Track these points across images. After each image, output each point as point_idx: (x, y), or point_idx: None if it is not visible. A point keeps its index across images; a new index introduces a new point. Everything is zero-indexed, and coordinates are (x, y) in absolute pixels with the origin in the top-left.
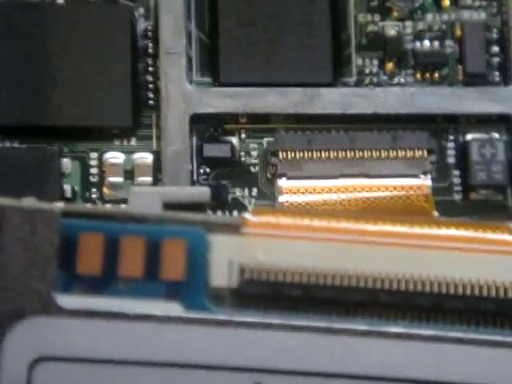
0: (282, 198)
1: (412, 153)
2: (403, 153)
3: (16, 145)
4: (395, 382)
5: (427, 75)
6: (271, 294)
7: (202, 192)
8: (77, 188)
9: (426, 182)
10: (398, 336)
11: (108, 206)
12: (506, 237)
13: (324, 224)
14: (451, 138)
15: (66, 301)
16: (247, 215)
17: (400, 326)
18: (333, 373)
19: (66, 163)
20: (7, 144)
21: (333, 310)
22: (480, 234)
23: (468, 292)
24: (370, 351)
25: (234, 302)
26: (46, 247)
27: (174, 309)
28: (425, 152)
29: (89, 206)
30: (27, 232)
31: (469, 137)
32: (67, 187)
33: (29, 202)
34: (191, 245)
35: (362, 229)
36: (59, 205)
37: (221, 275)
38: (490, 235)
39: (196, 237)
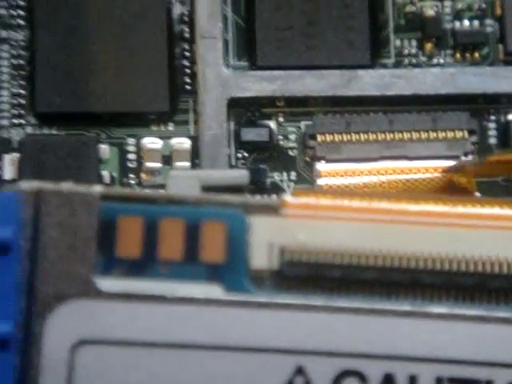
0: (320, 182)
1: (452, 134)
2: (443, 134)
3: (54, 131)
4: (439, 362)
5: (467, 55)
6: (312, 276)
7: (241, 175)
8: (115, 174)
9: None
10: (442, 316)
11: (147, 190)
12: None
13: (364, 204)
14: (492, 118)
15: (106, 284)
16: (287, 197)
17: (443, 307)
18: (376, 354)
19: (104, 149)
20: (45, 131)
21: (375, 291)
22: None
23: None
24: (413, 332)
25: (274, 283)
26: (85, 230)
27: (215, 291)
28: (465, 133)
29: (128, 189)
30: (66, 215)
31: (510, 117)
32: (105, 173)
33: (68, 185)
34: (231, 227)
35: (404, 209)
36: (98, 188)
37: (261, 257)
38: None
39: (235, 219)
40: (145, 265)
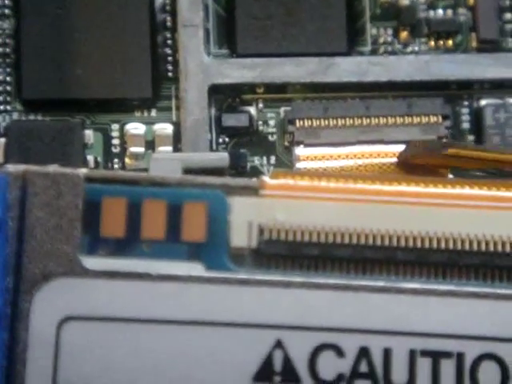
0: (299, 165)
1: (427, 119)
2: (418, 119)
3: (40, 117)
4: (412, 336)
5: (441, 43)
6: (290, 254)
7: (222, 157)
8: (99, 158)
9: None
10: (415, 292)
11: (130, 172)
12: None
13: (340, 185)
14: (465, 103)
15: (91, 262)
16: (266, 178)
17: (416, 282)
18: (352, 328)
19: (89, 134)
20: (31, 117)
21: (351, 268)
22: (493, 192)
23: (483, 248)
24: (388, 307)
25: (254, 261)
26: (70, 211)
27: (196, 269)
28: (439, 118)
29: (111, 171)
30: (52, 196)
31: (483, 102)
32: (90, 158)
33: (54, 167)
34: (211, 207)
35: (378, 189)
36: (83, 170)
37: (241, 236)
38: (504, 193)
39: (216, 199)
40: (128, 244)
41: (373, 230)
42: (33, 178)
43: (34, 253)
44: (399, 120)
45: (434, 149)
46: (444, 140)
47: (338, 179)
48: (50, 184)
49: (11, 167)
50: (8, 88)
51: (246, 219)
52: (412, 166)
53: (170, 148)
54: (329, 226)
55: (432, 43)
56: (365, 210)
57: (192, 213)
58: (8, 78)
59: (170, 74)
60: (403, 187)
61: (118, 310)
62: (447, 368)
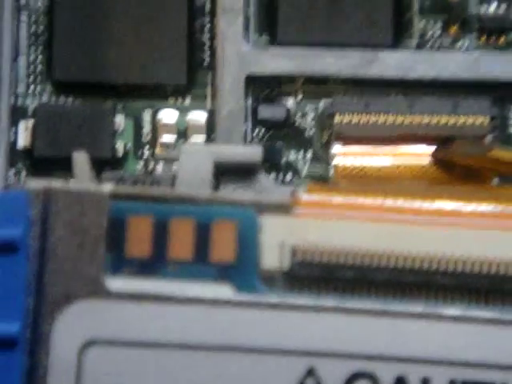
0: (336, 162)
1: (472, 120)
2: (463, 119)
3: (70, 100)
4: (452, 365)
5: (492, 40)
6: (324, 276)
7: (255, 151)
8: (129, 146)
9: None
10: (455, 318)
11: (156, 189)
12: None
13: (378, 203)
14: None
15: (116, 284)
16: (299, 194)
17: (457, 308)
18: (388, 356)
19: (119, 120)
20: (61, 99)
21: (387, 292)
22: None
23: None
24: (426, 334)
25: (285, 284)
26: (94, 230)
27: (225, 291)
28: (486, 119)
29: (137, 188)
30: (75, 214)
31: None
32: (119, 145)
33: (77, 184)
34: (241, 226)
35: (417, 208)
36: (108, 187)
37: (272, 257)
38: None
39: (246, 218)
40: (154, 264)
41: (411, 253)
42: (55, 195)
43: (55, 273)
44: (443, 120)
45: (476, 150)
46: (489, 142)
47: (375, 195)
48: (73, 202)
49: (33, 183)
50: (39, 68)
51: (277, 239)
52: (451, 166)
53: (202, 138)
54: (364, 247)
55: (482, 40)
56: (403, 231)
57: (221, 232)
58: (39, 58)
59: (206, 61)
60: (444, 204)
61: (142, 334)
62: None
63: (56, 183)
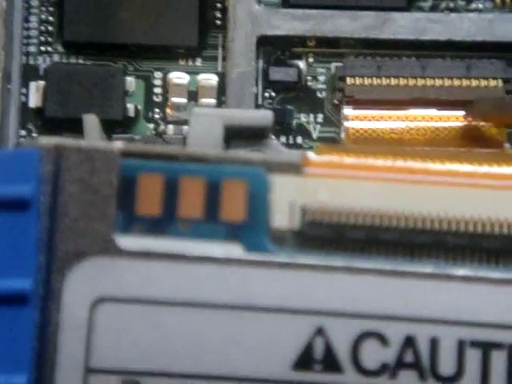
0: (347, 125)
1: (486, 82)
2: (477, 82)
3: (81, 61)
4: (461, 325)
5: (507, 1)
6: (334, 236)
7: (265, 115)
8: (140, 107)
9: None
10: (465, 279)
11: (167, 147)
12: None
13: (389, 163)
14: None
15: (126, 242)
16: (309, 154)
17: (467, 269)
18: (397, 316)
19: (130, 81)
20: (72, 60)
21: (398, 253)
22: None
23: None
24: (436, 294)
25: (295, 243)
26: (105, 187)
27: (235, 250)
28: (500, 82)
29: (148, 146)
30: (86, 172)
31: None
32: (130, 106)
33: (88, 142)
34: (252, 185)
35: (429, 168)
36: (118, 145)
37: (282, 216)
38: None
39: (256, 177)
40: (165, 223)
41: (422, 213)
42: (66, 152)
43: (66, 231)
44: (457, 82)
45: (502, 108)
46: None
47: (386, 156)
48: (84, 159)
49: (44, 140)
50: (50, 28)
51: (287, 199)
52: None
53: (213, 100)
54: (375, 207)
55: (498, 1)
56: (414, 191)
57: (231, 191)
58: (50, 18)
59: (217, 22)
60: (455, 166)
61: (153, 291)
62: (498, 360)
63: (67, 141)
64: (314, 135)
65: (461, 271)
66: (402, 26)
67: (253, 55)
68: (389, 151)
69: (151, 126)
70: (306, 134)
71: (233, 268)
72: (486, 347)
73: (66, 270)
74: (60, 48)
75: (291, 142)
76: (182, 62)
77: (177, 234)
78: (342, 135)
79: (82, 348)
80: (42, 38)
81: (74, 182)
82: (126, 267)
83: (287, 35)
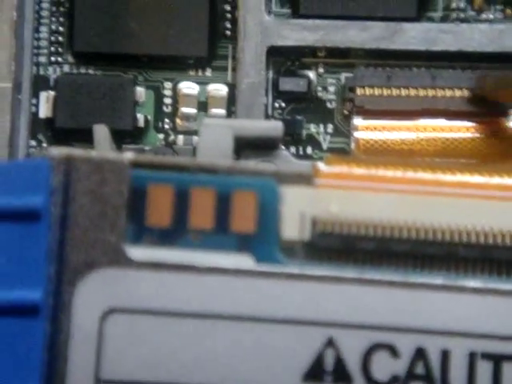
0: (357, 135)
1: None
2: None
3: (91, 71)
4: (472, 337)
5: None
6: (345, 248)
7: (275, 126)
8: (150, 117)
9: (510, 124)
10: (476, 290)
11: (177, 158)
12: None
13: (399, 174)
14: None
15: (136, 253)
16: (320, 165)
17: (478, 280)
18: (408, 327)
19: (140, 92)
20: (82, 70)
21: (408, 264)
22: None
23: None
24: (447, 306)
25: (306, 255)
26: (115, 198)
27: (245, 261)
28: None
29: (158, 156)
30: (96, 183)
31: None
32: (140, 116)
33: (98, 152)
34: (262, 196)
35: (439, 179)
36: (129, 155)
37: (293, 228)
38: None
39: (267, 188)
40: (175, 234)
41: (433, 224)
42: (77, 163)
43: (77, 241)
44: (467, 93)
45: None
46: None
47: (396, 167)
48: (94, 170)
49: (54, 150)
50: (60, 38)
51: (298, 210)
52: (487, 102)
53: (223, 110)
54: (386, 218)
55: (508, 11)
56: (425, 203)
57: (242, 202)
58: (61, 28)
59: (227, 33)
60: (466, 177)
61: (163, 302)
62: (510, 372)
63: (77, 151)
64: (324, 146)
65: (472, 283)
66: (412, 36)
67: (263, 66)
68: (399, 162)
69: (161, 136)
70: (316, 144)
71: (243, 279)
72: (498, 359)
73: (77, 280)
74: (70, 58)
75: (301, 152)
76: (191, 73)
77: (187, 245)
78: (352, 146)
79: (93, 359)
80: (53, 49)
81: (85, 192)
82: (136, 278)
83: (297, 46)
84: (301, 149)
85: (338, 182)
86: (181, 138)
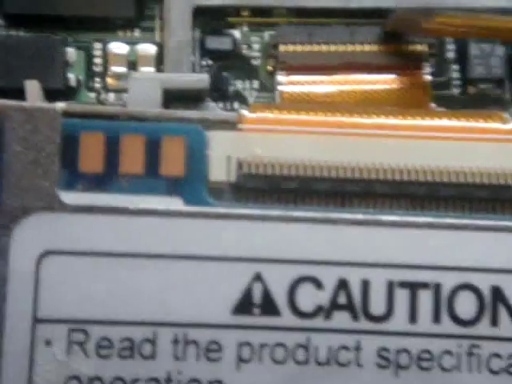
0: (282, 90)
1: (412, 47)
2: (404, 47)
3: (21, 33)
4: (390, 267)
5: None
6: (269, 188)
7: (201, 78)
8: (81, 77)
9: (424, 75)
10: (393, 224)
11: (108, 107)
12: (498, 125)
13: (320, 118)
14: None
15: (70, 197)
16: (244, 112)
17: (395, 215)
18: (330, 260)
19: (71, 52)
20: (13, 32)
21: (330, 202)
22: (472, 123)
23: (461, 179)
24: (366, 239)
25: (233, 195)
26: (48, 145)
27: (175, 203)
28: (425, 46)
29: (89, 105)
30: (29, 131)
31: None
32: (71, 76)
33: (30, 102)
34: (190, 141)
35: (357, 122)
36: (60, 104)
37: (219, 170)
38: (482, 124)
39: (194, 133)
40: (107, 179)
41: (351, 163)
42: (9, 112)
43: (12, 188)
44: (384, 47)
45: (421, 17)
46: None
47: (317, 112)
48: (26, 119)
49: None
50: None
51: (224, 153)
52: (399, 36)
53: (152, 69)
54: (307, 159)
55: None
56: (343, 144)
57: (170, 147)
58: None
59: None
60: (382, 119)
61: (97, 244)
62: (425, 299)
63: (10, 102)
64: (250, 101)
65: (389, 217)
66: None
67: (189, 25)
68: (319, 107)
69: (92, 95)
70: (243, 99)
71: (173, 220)
72: (413, 287)
73: (12, 225)
74: (0, 21)
75: (228, 108)
76: (120, 33)
77: (119, 190)
78: (277, 100)
79: (30, 299)
80: None
81: (18, 140)
82: (70, 221)
83: (222, 5)
84: (228, 105)
85: (262, 127)
86: (112, 96)
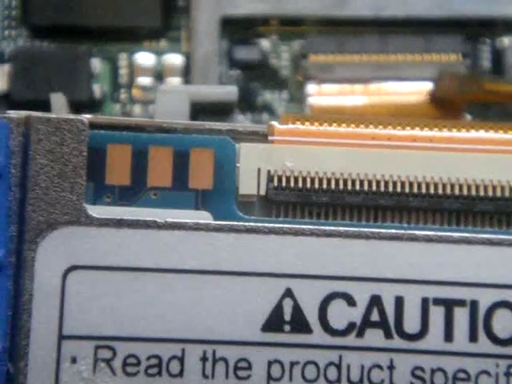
0: (311, 101)
1: (446, 57)
2: (437, 57)
3: (46, 44)
4: (424, 284)
5: None
6: (300, 201)
7: (230, 91)
8: (106, 88)
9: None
10: (428, 239)
11: (135, 118)
12: None
13: (352, 130)
14: (487, 42)
15: (97, 211)
16: (274, 123)
17: (429, 230)
18: (363, 276)
19: (96, 63)
20: (37, 43)
21: (362, 216)
22: (510, 135)
23: (498, 194)
24: (400, 255)
25: (262, 209)
26: (74, 158)
27: (204, 217)
28: (459, 56)
29: (116, 117)
30: (56, 143)
31: (505, 41)
32: (96, 88)
33: (56, 113)
34: (219, 154)
35: (390, 133)
36: (87, 116)
37: (249, 183)
38: None
39: (223, 145)
40: (134, 192)
41: (385, 177)
42: (35, 124)
43: (37, 201)
44: (417, 57)
45: (468, 85)
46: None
47: (349, 123)
48: (53, 130)
49: (13, 113)
50: (14, 13)
51: (254, 166)
52: (445, 103)
53: (178, 80)
54: (339, 172)
55: None
56: (376, 156)
57: (199, 160)
58: (14, 2)
59: (180, 3)
60: (416, 131)
61: (123, 258)
62: (461, 316)
63: (36, 113)
64: (279, 112)
65: (423, 232)
66: (361, 3)
67: (216, 35)
68: (351, 119)
69: (118, 106)
70: (271, 111)
71: (202, 234)
72: (449, 304)
73: (38, 239)
74: (25, 32)
75: (257, 119)
76: (146, 44)
77: (146, 203)
78: (307, 111)
79: (56, 315)
80: (6, 23)
81: (44, 153)
82: (96, 235)
83: (250, 15)
84: (256, 116)
85: (293, 139)
86: (137, 108)
